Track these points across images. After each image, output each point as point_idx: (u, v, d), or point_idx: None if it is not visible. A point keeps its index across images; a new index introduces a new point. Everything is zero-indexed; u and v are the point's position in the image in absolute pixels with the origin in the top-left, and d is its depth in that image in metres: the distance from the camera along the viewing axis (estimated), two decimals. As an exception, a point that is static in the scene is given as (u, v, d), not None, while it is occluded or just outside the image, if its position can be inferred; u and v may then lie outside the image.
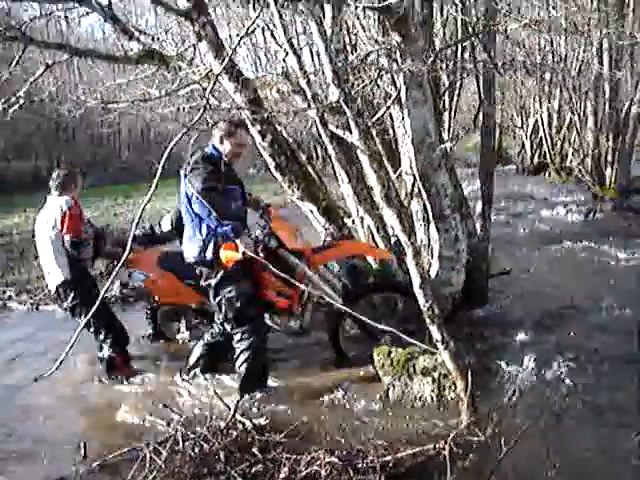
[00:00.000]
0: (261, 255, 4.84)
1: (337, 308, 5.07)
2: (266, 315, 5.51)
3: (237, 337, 5.11)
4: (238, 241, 4.80)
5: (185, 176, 4.96)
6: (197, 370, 5.49)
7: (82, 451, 4.31)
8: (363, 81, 5.99)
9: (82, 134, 25.29)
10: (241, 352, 5.09)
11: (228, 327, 5.15)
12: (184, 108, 8.15)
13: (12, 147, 23.83)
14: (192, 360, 5.53)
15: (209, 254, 4.98)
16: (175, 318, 6.41)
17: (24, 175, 22.78)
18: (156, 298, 6.10)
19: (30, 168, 23.61)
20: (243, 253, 4.80)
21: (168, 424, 4.55)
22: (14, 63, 6.35)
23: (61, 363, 4.19)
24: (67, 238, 5.49)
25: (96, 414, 5.15)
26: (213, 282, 5.06)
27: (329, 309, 5.53)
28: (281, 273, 4.26)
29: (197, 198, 4.80)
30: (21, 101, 6.18)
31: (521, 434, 3.85)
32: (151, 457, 4.00)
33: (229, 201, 5.00)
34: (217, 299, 5.09)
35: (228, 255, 4.88)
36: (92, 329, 5.70)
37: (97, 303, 3.69)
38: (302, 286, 4.67)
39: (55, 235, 5.54)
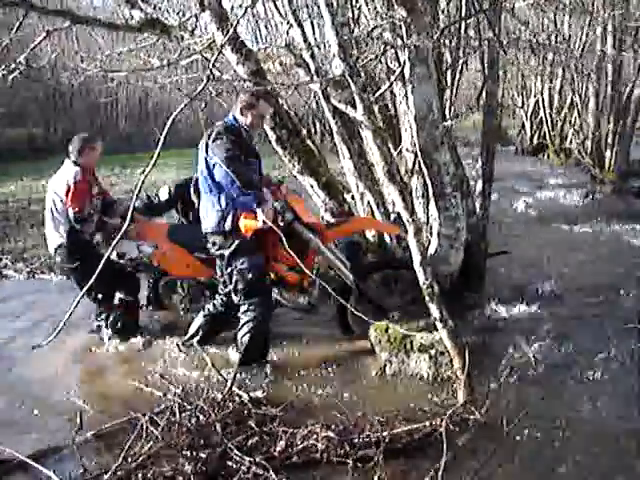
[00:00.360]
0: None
1: (347, 284, 5.19)
2: (275, 290, 5.51)
3: (244, 308, 5.12)
4: (259, 210, 4.84)
5: (207, 146, 4.96)
6: (195, 340, 5.49)
7: (78, 421, 4.31)
8: (367, 56, 5.93)
9: (79, 103, 25.05)
10: (245, 323, 5.10)
11: (236, 298, 5.15)
12: (185, 79, 8.09)
13: (7, 114, 23.64)
14: (191, 330, 5.53)
15: (227, 225, 4.99)
16: (175, 289, 6.38)
17: (19, 143, 22.59)
18: (161, 269, 6.08)
19: (25, 135, 23.42)
20: (263, 222, 4.84)
21: (164, 395, 4.56)
22: (14, 29, 6.27)
23: (59, 332, 4.22)
24: (70, 212, 5.49)
25: (93, 383, 5.15)
26: (227, 252, 5.06)
27: (337, 285, 5.49)
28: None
29: (220, 167, 4.80)
30: (21, 68, 6.11)
31: (522, 415, 3.86)
32: (147, 427, 4.01)
33: (250, 172, 5.01)
34: (228, 269, 5.10)
35: (248, 224, 4.94)
36: (94, 298, 5.76)
37: (97, 271, 3.68)
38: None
39: (60, 201, 5.56)
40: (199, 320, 5.53)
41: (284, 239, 4.53)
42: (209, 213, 5.10)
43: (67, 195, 5.49)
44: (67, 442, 4.05)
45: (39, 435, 4.27)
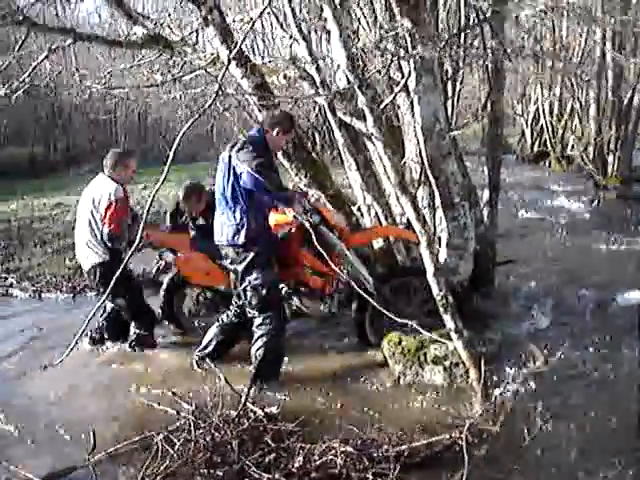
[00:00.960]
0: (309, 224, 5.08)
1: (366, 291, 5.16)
2: (294, 298, 5.56)
3: (258, 322, 5.10)
4: (289, 210, 5.08)
5: (230, 157, 5.00)
6: (207, 350, 5.46)
7: (91, 440, 4.26)
8: (373, 68, 5.93)
9: (79, 120, 25.10)
10: (259, 337, 5.08)
11: (250, 313, 5.15)
12: (188, 94, 8.10)
13: (8, 133, 23.66)
14: (205, 340, 5.50)
15: (242, 238, 5.00)
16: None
17: (20, 161, 22.58)
18: (182, 277, 6.14)
19: (26, 154, 23.42)
20: (294, 217, 5.06)
21: (178, 412, 4.51)
22: (17, 48, 6.29)
23: (71, 350, 4.20)
24: (106, 230, 5.51)
25: (103, 401, 5.08)
26: (240, 268, 5.06)
27: (358, 293, 5.51)
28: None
29: (249, 173, 4.81)
30: (25, 86, 6.12)
31: (544, 423, 3.82)
32: (163, 446, 3.97)
33: (278, 177, 5.11)
34: (242, 285, 5.10)
35: (278, 218, 5.13)
36: (123, 307, 5.84)
37: (114, 279, 3.68)
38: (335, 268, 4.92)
39: (98, 218, 5.56)
40: (213, 331, 5.50)
41: (314, 236, 4.76)
42: (224, 227, 5.10)
43: (106, 212, 5.50)
44: (81, 462, 3.99)
45: (51, 455, 4.21)
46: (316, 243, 4.77)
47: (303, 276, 5.52)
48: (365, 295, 4.72)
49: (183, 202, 6.33)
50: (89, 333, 6.05)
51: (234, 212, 5.02)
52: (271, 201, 5.11)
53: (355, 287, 4.75)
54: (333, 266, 5.02)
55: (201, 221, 6.30)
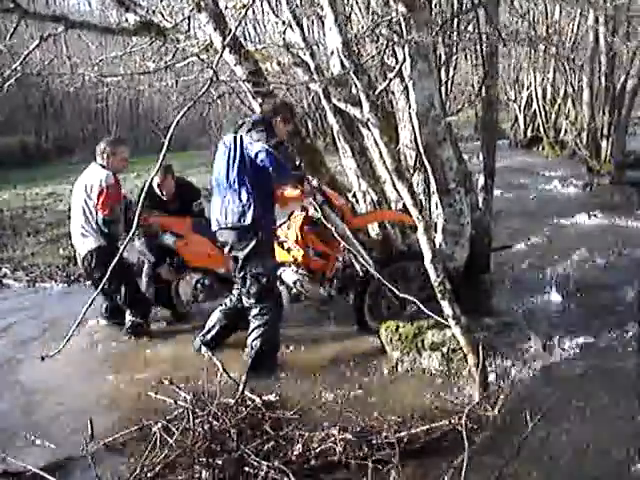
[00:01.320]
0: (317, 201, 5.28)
1: (367, 275, 5.34)
2: (294, 279, 5.58)
3: (255, 312, 5.09)
4: (304, 184, 5.20)
5: (240, 139, 5.00)
6: (209, 335, 5.46)
7: (89, 430, 4.25)
8: (368, 54, 5.90)
9: (70, 109, 24.98)
10: (256, 328, 5.07)
11: (247, 301, 5.13)
12: (180, 82, 8.04)
13: (-1, 122, 23.55)
14: (208, 325, 5.50)
15: (248, 219, 4.97)
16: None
17: (11, 150, 22.45)
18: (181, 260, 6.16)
19: (18, 143, 23.29)
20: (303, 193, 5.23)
21: (175, 402, 4.49)
22: (9, 36, 6.22)
23: (68, 341, 4.17)
24: (100, 215, 5.58)
25: (101, 390, 5.05)
26: (241, 255, 5.03)
27: (357, 276, 5.59)
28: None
29: (268, 151, 4.82)
30: (17, 75, 6.05)
31: (544, 412, 3.80)
32: (161, 435, 3.95)
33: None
34: (242, 273, 5.08)
35: (289, 193, 5.20)
36: (117, 295, 5.91)
37: (111, 267, 3.68)
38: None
39: (92, 205, 5.64)
40: (216, 315, 5.49)
41: (319, 210, 5.10)
42: (227, 210, 5.05)
43: (99, 198, 5.57)
44: (79, 452, 3.96)
45: (48, 445, 4.19)
46: (325, 221, 5.00)
47: (304, 257, 5.53)
48: (372, 271, 4.82)
49: (161, 183, 6.28)
50: (102, 313, 6.18)
51: (239, 194, 4.99)
52: (285, 178, 5.11)
53: (361, 264, 4.91)
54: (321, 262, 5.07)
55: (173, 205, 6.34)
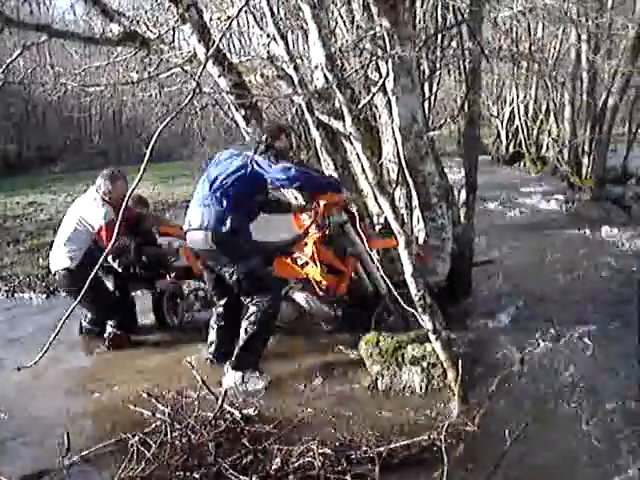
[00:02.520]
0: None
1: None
2: (303, 296, 5.60)
3: (255, 300, 5.14)
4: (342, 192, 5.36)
5: (252, 161, 5.06)
6: (212, 349, 5.50)
7: (65, 442, 4.20)
8: (351, 68, 5.91)
9: (53, 118, 24.84)
10: (253, 312, 5.12)
11: (246, 299, 5.20)
12: (163, 92, 8.02)
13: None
14: (213, 344, 5.51)
15: (227, 226, 5.03)
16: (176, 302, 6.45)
17: (-7, 160, 22.30)
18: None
19: (-1, 152, 23.16)
20: (344, 201, 5.39)
21: (153, 414, 4.45)
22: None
23: (45, 352, 4.14)
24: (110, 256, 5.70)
25: (78, 403, 5.00)
26: (224, 261, 5.15)
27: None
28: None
29: (298, 171, 4.99)
30: (-1, 83, 6.03)
31: (524, 426, 3.80)
32: (138, 448, 3.92)
33: None
34: (233, 278, 5.14)
35: (333, 199, 5.27)
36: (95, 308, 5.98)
37: (88, 281, 3.68)
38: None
39: (84, 230, 5.75)
40: (214, 333, 5.51)
41: (357, 219, 5.30)
42: (207, 216, 5.10)
43: (99, 234, 5.66)
44: (54, 465, 3.92)
45: (24, 458, 4.14)
46: (358, 227, 5.30)
47: (318, 274, 5.53)
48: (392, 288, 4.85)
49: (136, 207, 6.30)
50: (83, 326, 6.17)
51: (221, 202, 5.08)
52: (321, 187, 5.31)
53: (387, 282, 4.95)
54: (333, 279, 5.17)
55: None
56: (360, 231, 5.38)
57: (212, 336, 5.51)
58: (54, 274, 5.98)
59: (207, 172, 5.31)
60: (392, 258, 5.94)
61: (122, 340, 6.01)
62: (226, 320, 5.46)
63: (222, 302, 5.45)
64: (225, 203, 5.07)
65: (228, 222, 5.03)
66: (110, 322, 6.01)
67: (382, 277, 5.40)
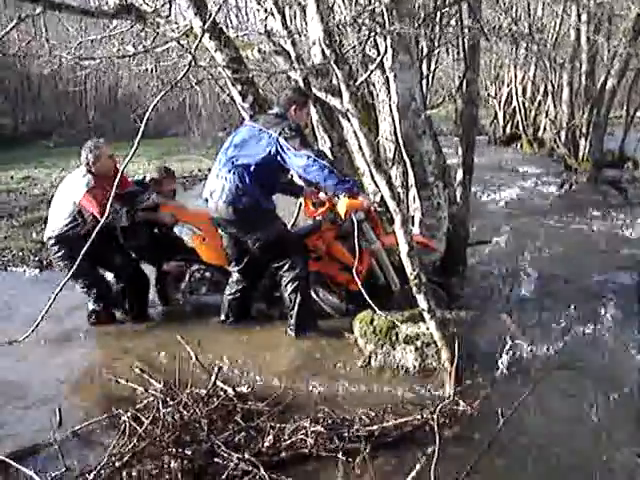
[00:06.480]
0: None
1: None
2: (316, 289, 5.72)
3: (284, 268, 5.30)
4: (361, 197, 5.19)
5: (276, 140, 5.04)
6: (229, 321, 5.70)
7: (57, 418, 4.19)
8: (350, 44, 5.84)
9: (48, 92, 24.60)
10: (290, 280, 5.29)
11: (275, 265, 5.36)
12: (156, 67, 7.95)
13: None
14: (224, 312, 5.70)
15: (242, 202, 5.15)
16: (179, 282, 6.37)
17: (-13, 134, 22.14)
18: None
19: (-7, 126, 22.98)
20: (367, 206, 5.26)
21: (146, 390, 4.44)
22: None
23: (37, 326, 4.12)
24: (97, 216, 5.56)
25: (72, 378, 4.99)
26: (244, 230, 5.30)
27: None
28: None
29: (316, 163, 4.89)
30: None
31: (517, 406, 3.80)
32: (130, 424, 3.90)
33: None
34: (256, 245, 5.28)
35: (353, 202, 5.13)
36: (78, 283, 5.89)
37: (78, 260, 3.64)
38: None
39: (73, 203, 5.74)
40: (227, 301, 5.67)
41: (378, 220, 5.42)
42: (228, 189, 5.19)
43: (84, 204, 5.68)
44: (47, 440, 3.90)
45: (16, 432, 4.13)
46: (377, 221, 5.37)
47: (333, 269, 5.61)
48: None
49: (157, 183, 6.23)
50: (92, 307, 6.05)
51: (243, 177, 5.15)
52: (335, 188, 5.09)
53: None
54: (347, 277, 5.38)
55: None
56: (375, 229, 5.45)
57: (225, 301, 5.68)
58: (49, 240, 5.95)
59: (230, 142, 5.35)
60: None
61: (105, 317, 6.00)
62: (239, 286, 5.61)
63: (237, 268, 5.57)
64: (247, 179, 5.13)
65: (247, 197, 5.13)
66: (91, 298, 5.97)
67: (392, 274, 5.46)
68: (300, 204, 6.49)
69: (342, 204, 5.14)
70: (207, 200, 5.34)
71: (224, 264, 5.83)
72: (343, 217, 5.25)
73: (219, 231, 5.57)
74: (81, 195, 5.66)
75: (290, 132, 5.01)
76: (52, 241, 5.84)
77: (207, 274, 6.28)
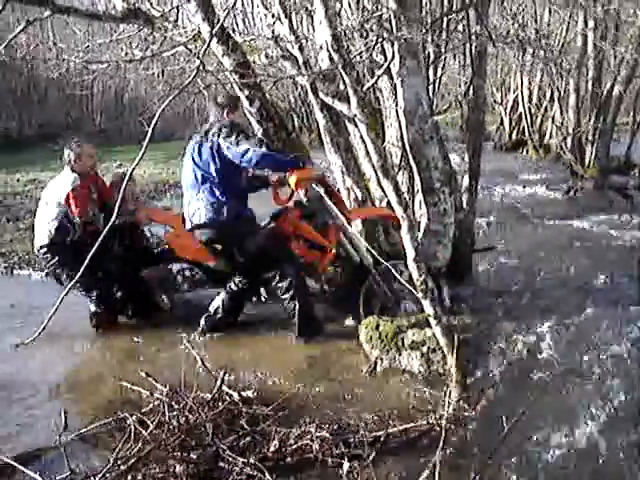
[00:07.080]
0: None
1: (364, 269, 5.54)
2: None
3: (276, 279, 5.32)
4: (307, 166, 5.35)
5: (217, 144, 5.20)
6: (215, 318, 5.64)
7: (62, 421, 4.19)
8: (357, 49, 5.85)
9: (54, 96, 24.69)
10: (285, 290, 5.31)
11: (266, 277, 5.39)
12: (166, 71, 7.96)
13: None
14: (212, 308, 5.67)
15: (224, 215, 5.20)
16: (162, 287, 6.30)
17: (-5, 136, 22.18)
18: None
19: (0, 128, 23.01)
20: (317, 176, 5.41)
21: (151, 394, 4.44)
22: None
23: (43, 329, 4.12)
24: (77, 220, 5.65)
25: (77, 382, 5.00)
26: (229, 242, 5.39)
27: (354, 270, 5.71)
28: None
29: (259, 152, 5.03)
30: (0, 58, 5.98)
31: (523, 412, 3.79)
32: (136, 428, 3.90)
33: None
34: (243, 257, 5.37)
35: (300, 175, 5.25)
36: (77, 288, 5.77)
37: (83, 266, 3.63)
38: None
39: (59, 204, 5.70)
40: (220, 299, 5.64)
41: (325, 196, 5.36)
42: (202, 205, 5.25)
43: (67, 202, 5.64)
44: (52, 443, 3.90)
45: (22, 436, 4.14)
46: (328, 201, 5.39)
47: (300, 250, 5.60)
48: (379, 259, 5.02)
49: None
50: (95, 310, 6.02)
51: (212, 191, 5.23)
52: (285, 164, 5.31)
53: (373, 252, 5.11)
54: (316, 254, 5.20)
55: None
56: (339, 204, 5.53)
57: (215, 303, 5.66)
58: (38, 254, 5.98)
59: (185, 162, 5.47)
60: (376, 230, 6.04)
61: (107, 319, 6.00)
62: (240, 287, 5.61)
63: (235, 278, 5.59)
64: (218, 192, 5.23)
65: (225, 211, 5.21)
66: (91, 301, 5.95)
67: (367, 249, 5.47)
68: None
69: (292, 178, 5.30)
70: (190, 230, 5.47)
71: (197, 259, 5.90)
72: (295, 189, 5.41)
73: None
74: (65, 194, 5.65)
75: (226, 130, 5.17)
76: (44, 250, 5.81)
77: (187, 273, 6.27)
